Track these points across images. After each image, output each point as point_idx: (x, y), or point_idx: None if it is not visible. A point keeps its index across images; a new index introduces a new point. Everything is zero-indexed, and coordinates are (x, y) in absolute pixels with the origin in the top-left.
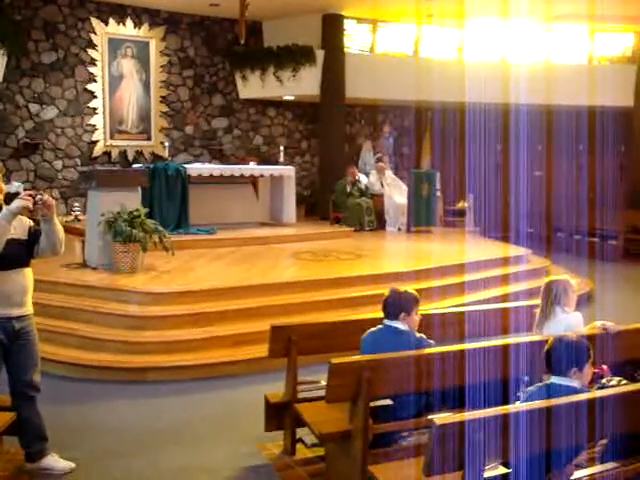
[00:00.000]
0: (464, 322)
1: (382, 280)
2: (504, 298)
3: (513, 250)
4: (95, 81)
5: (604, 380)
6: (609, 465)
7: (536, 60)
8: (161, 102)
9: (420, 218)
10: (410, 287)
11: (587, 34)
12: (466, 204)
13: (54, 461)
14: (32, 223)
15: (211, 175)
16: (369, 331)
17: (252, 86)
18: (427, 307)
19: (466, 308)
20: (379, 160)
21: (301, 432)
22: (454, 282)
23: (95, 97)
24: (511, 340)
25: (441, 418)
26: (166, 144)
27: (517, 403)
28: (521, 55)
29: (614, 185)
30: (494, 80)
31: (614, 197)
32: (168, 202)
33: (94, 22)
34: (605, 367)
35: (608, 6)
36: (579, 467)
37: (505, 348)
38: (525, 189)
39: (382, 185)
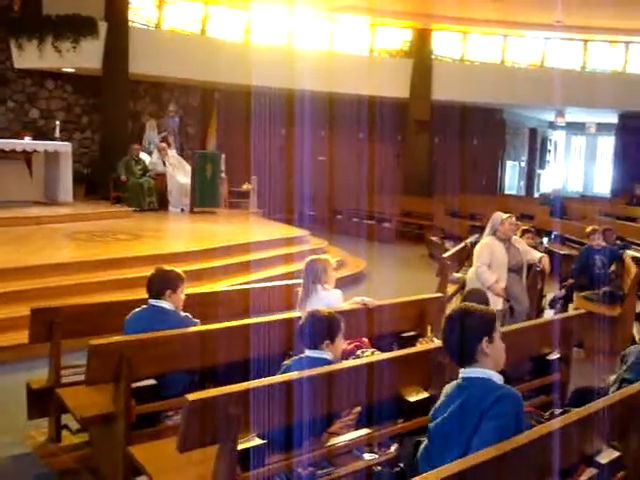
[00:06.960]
0: (245, 300)
1: (162, 261)
2: (286, 277)
3: (293, 231)
4: None
5: (359, 352)
6: (363, 431)
7: (320, 48)
8: None
9: (204, 199)
10: (192, 266)
11: (368, 27)
12: (250, 186)
13: None
14: None
15: None
16: (134, 311)
17: (28, 56)
18: (209, 286)
19: (245, 286)
20: (164, 139)
21: (66, 418)
22: (237, 262)
23: None
24: (273, 317)
25: (194, 394)
26: None
27: None
28: (306, 42)
29: (391, 172)
30: (280, 65)
31: (390, 183)
32: None
33: None
34: (365, 340)
35: (387, 2)
36: (334, 435)
37: (268, 325)
38: (308, 173)
39: (165, 165)
